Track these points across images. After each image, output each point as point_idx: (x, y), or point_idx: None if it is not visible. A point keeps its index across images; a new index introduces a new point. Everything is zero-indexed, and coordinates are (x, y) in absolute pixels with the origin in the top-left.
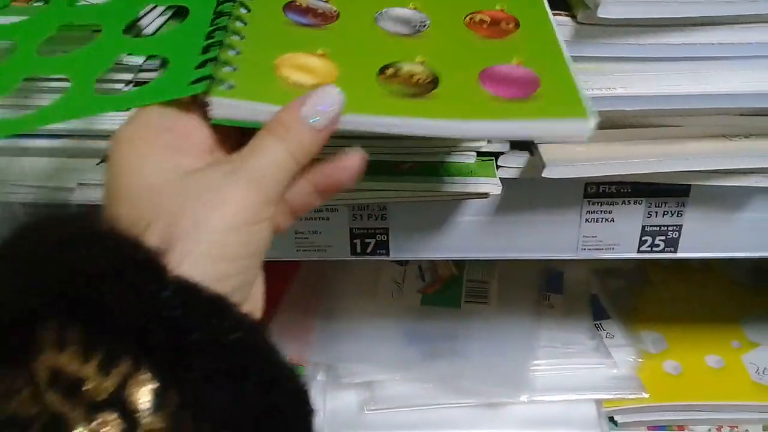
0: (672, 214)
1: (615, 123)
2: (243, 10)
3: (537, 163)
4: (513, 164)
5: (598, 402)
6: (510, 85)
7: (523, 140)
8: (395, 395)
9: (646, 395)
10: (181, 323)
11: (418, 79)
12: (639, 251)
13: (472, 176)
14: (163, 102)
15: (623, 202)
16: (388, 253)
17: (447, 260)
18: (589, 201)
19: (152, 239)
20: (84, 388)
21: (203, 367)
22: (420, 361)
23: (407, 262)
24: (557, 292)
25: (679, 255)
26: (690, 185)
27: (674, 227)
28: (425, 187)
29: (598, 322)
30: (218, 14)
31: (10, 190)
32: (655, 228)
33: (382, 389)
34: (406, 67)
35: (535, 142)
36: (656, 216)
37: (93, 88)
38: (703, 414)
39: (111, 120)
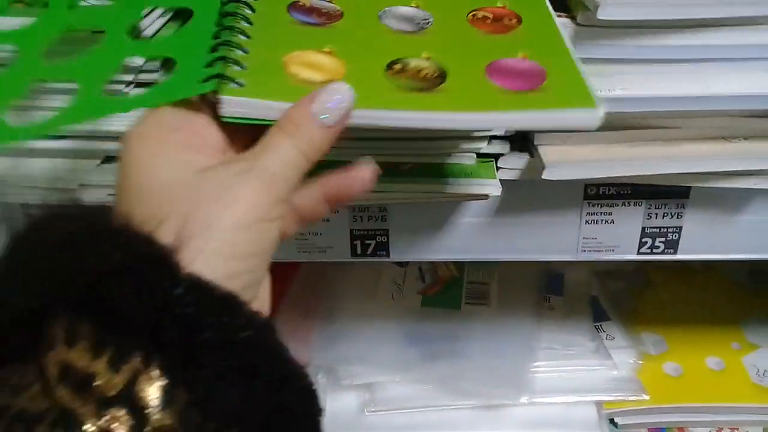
0: (672, 216)
1: (615, 125)
2: (248, 11)
3: (537, 165)
4: (513, 165)
5: (599, 404)
6: (517, 78)
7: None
8: (395, 397)
9: (646, 397)
10: (193, 321)
11: (426, 74)
12: (639, 253)
13: (472, 177)
14: (174, 102)
15: (623, 204)
16: (388, 255)
17: (447, 262)
18: (589, 202)
19: (165, 237)
20: (94, 384)
21: (213, 364)
22: (420, 363)
23: (407, 263)
24: (557, 294)
25: (679, 257)
26: (690, 187)
27: (674, 229)
28: (425, 188)
29: (598, 324)
30: (223, 15)
31: (12, 191)
32: (655, 230)
33: (383, 391)
34: (414, 63)
35: (537, 144)
36: (656, 218)
37: (101, 92)
38: (704, 416)
39: (113, 121)
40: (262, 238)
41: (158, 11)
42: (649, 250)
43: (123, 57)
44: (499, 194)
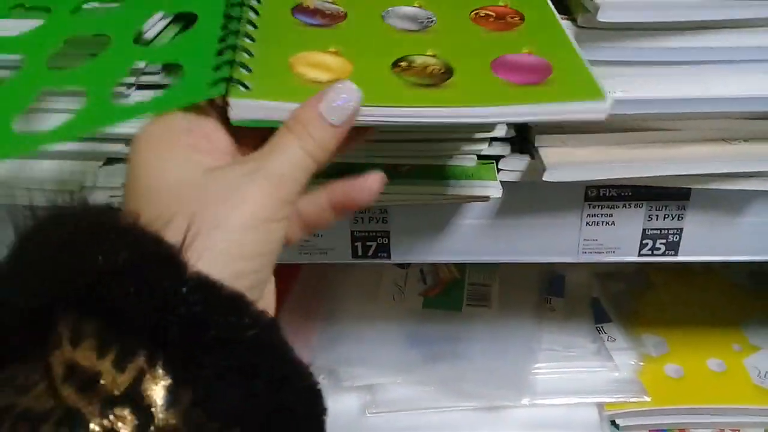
0: (672, 218)
1: (615, 126)
2: (252, 15)
3: (537, 167)
4: (514, 167)
5: (600, 405)
6: (523, 72)
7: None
8: (397, 398)
9: (647, 398)
10: (199, 320)
11: (433, 70)
12: (640, 254)
13: (472, 179)
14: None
15: (624, 206)
16: (389, 256)
17: (448, 263)
18: (589, 204)
19: (172, 236)
20: (99, 384)
21: (218, 364)
22: (421, 364)
23: (409, 265)
24: (559, 296)
25: (680, 258)
26: (690, 188)
27: (675, 230)
28: (426, 189)
29: (599, 326)
30: (228, 18)
31: (16, 193)
32: (655, 231)
33: (384, 392)
34: (419, 60)
35: (537, 146)
36: (657, 219)
37: (110, 98)
38: (705, 417)
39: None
40: (268, 238)
41: (161, 16)
42: (649, 252)
43: (130, 63)
44: (500, 196)
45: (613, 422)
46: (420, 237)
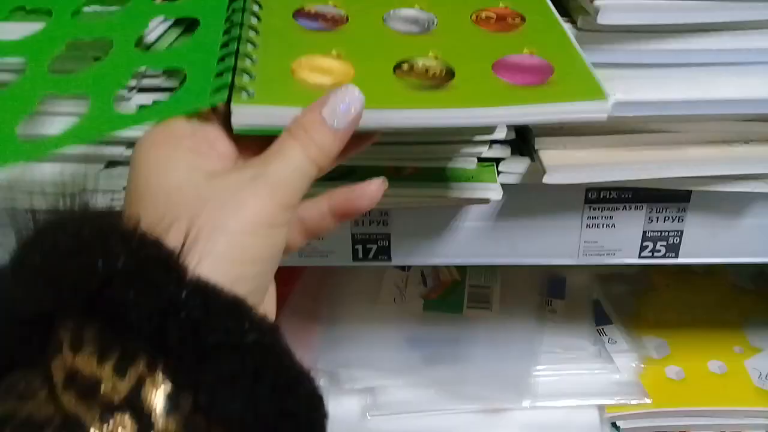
0: (673, 220)
1: (615, 128)
2: (254, 20)
3: (538, 169)
4: (514, 170)
5: (601, 408)
6: (525, 73)
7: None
8: (397, 401)
9: (648, 401)
10: (199, 324)
11: (434, 72)
12: (640, 257)
13: (473, 182)
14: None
15: (624, 208)
16: (389, 259)
17: (449, 266)
18: (590, 206)
19: (172, 240)
20: (100, 390)
21: (218, 369)
22: (422, 367)
23: (409, 267)
24: (560, 298)
25: (681, 260)
26: (691, 191)
27: (675, 232)
28: (426, 192)
29: (600, 328)
30: (230, 24)
31: (17, 196)
32: (656, 233)
33: (385, 395)
34: (421, 62)
35: (537, 148)
36: (657, 221)
37: (113, 104)
38: (706, 419)
39: None
40: (269, 243)
41: (162, 20)
42: (650, 254)
43: (133, 68)
44: (501, 198)
45: (614, 424)
46: (421, 239)
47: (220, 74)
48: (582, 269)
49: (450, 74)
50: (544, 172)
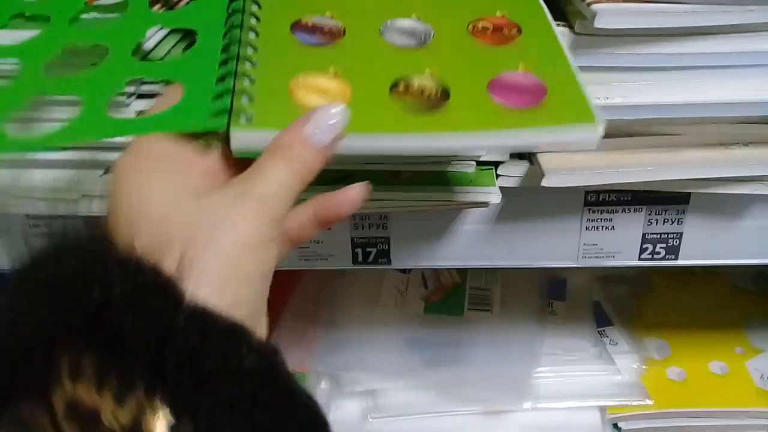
0: (672, 222)
1: (614, 132)
2: (252, 35)
3: (536, 172)
4: (512, 173)
5: (602, 409)
6: (518, 94)
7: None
8: (398, 403)
9: (650, 402)
10: (197, 350)
11: (430, 93)
12: (640, 259)
13: (472, 185)
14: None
15: (623, 210)
16: (389, 262)
17: (449, 268)
18: (589, 209)
19: (167, 265)
20: (99, 420)
21: (217, 395)
22: (423, 369)
23: (410, 269)
24: (560, 299)
25: (680, 262)
26: (690, 193)
27: (675, 235)
28: (425, 196)
29: (601, 329)
30: (228, 38)
31: (14, 202)
32: (655, 235)
33: (385, 397)
34: (417, 81)
35: (536, 151)
36: (657, 223)
37: (106, 110)
38: (707, 420)
39: None
40: (262, 260)
41: (160, 29)
42: (650, 256)
43: (128, 77)
44: (499, 202)
45: (615, 426)
46: (420, 243)
47: (219, 96)
48: (582, 271)
49: (445, 95)
50: (542, 175)
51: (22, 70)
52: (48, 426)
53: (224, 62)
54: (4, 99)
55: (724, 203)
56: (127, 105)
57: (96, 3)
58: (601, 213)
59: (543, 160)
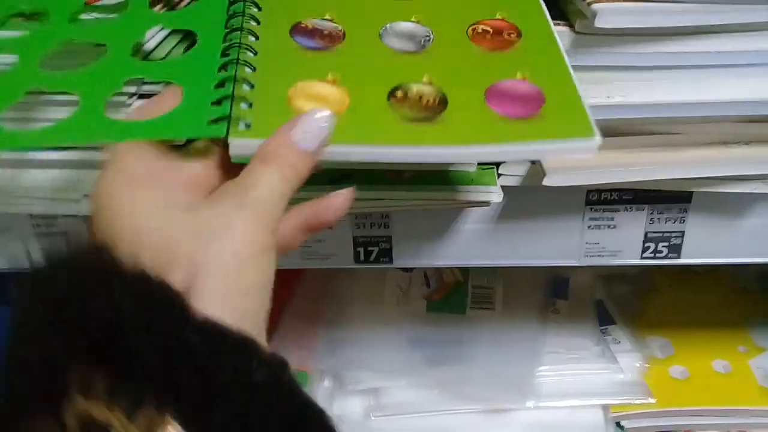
0: (674, 221)
1: (615, 131)
2: (252, 38)
3: (538, 171)
4: (514, 172)
5: (605, 407)
6: (516, 103)
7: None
8: (401, 402)
9: (652, 400)
10: (208, 365)
11: (428, 101)
12: (642, 258)
13: (473, 184)
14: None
15: (625, 209)
16: (391, 261)
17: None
18: (591, 208)
19: (174, 281)
20: None
21: (229, 409)
22: (425, 368)
23: (412, 268)
24: (563, 298)
25: (683, 261)
26: (692, 191)
27: (677, 233)
28: (426, 195)
29: (604, 328)
30: (228, 42)
31: (16, 202)
32: (657, 234)
33: (388, 396)
34: (415, 88)
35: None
36: (659, 222)
37: (103, 110)
38: (710, 419)
39: None
40: (264, 268)
41: (161, 29)
42: (652, 255)
43: (125, 77)
44: (501, 201)
45: (618, 424)
46: (422, 242)
47: (218, 102)
48: (585, 269)
49: (443, 103)
50: (544, 174)
51: (19, 64)
52: None
53: (224, 66)
54: (1, 91)
55: (726, 202)
56: (128, 105)
57: (97, 3)
58: (603, 212)
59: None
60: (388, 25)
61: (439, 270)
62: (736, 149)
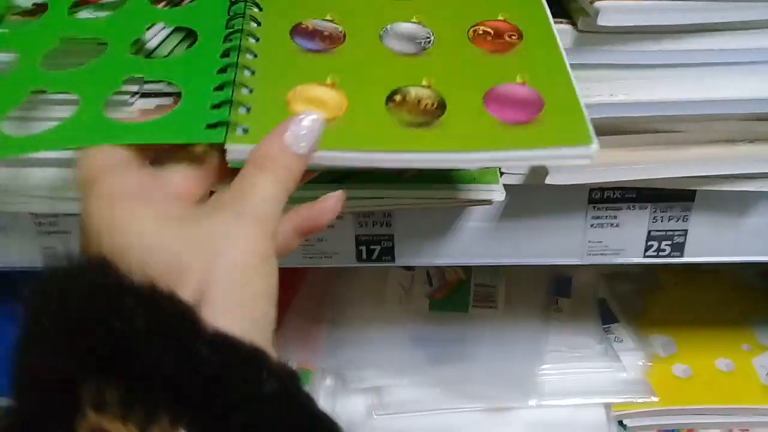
0: (677, 219)
1: (617, 129)
2: (252, 40)
3: (541, 170)
4: (517, 171)
5: (607, 406)
6: (514, 108)
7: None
8: (403, 400)
9: (655, 399)
10: (219, 377)
11: (426, 105)
12: (645, 256)
13: (475, 183)
14: (129, 151)
15: (628, 208)
16: (393, 260)
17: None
18: (594, 206)
19: (182, 294)
20: None
21: (240, 420)
22: (428, 366)
23: (415, 267)
24: (565, 296)
25: (686, 260)
26: (695, 190)
27: (680, 232)
28: (429, 194)
29: (606, 326)
30: (228, 44)
31: (14, 201)
32: (660, 233)
33: (390, 394)
34: (414, 92)
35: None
36: (662, 221)
37: (102, 111)
38: (713, 417)
39: None
40: (268, 274)
41: (161, 24)
42: (655, 253)
43: (126, 75)
44: (503, 199)
45: (620, 423)
46: (424, 240)
47: (216, 106)
48: (588, 268)
49: (441, 107)
50: (546, 172)
51: (18, 63)
52: None
53: (223, 69)
54: (1, 92)
55: (729, 200)
56: (131, 104)
57: (97, 2)
58: (605, 210)
59: None
60: (388, 26)
61: (441, 268)
62: (741, 147)
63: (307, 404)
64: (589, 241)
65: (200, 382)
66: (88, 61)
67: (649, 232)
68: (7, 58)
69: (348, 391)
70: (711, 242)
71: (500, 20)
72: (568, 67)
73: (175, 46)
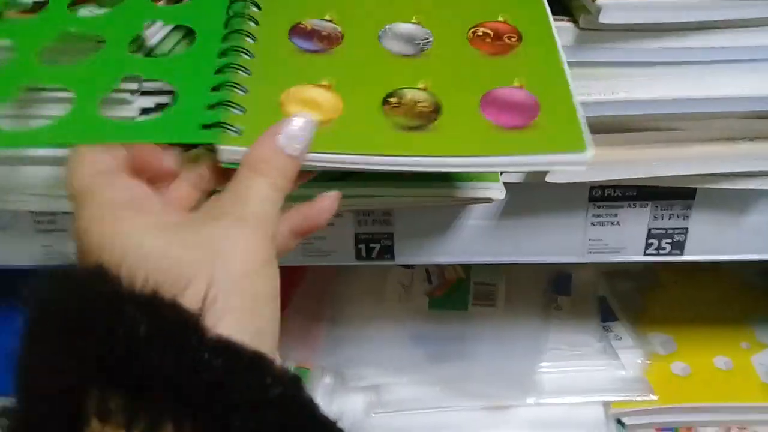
0: (678, 217)
1: (618, 127)
2: (250, 40)
3: None
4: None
5: (606, 404)
6: (510, 112)
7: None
8: (402, 398)
9: (654, 397)
10: (223, 384)
11: (421, 109)
12: (645, 254)
13: (475, 181)
14: (117, 153)
15: (629, 206)
16: (393, 258)
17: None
18: (594, 204)
19: (185, 302)
20: None
21: (244, 426)
22: (427, 364)
23: (414, 265)
24: (565, 294)
25: (686, 258)
26: (696, 188)
27: (680, 230)
28: (429, 192)
29: (606, 324)
30: (226, 44)
31: (14, 199)
32: (661, 231)
33: (389, 392)
34: (410, 95)
35: None
36: (662, 219)
37: (97, 109)
38: (712, 415)
39: None
40: (270, 277)
41: (160, 22)
42: (655, 252)
43: (122, 73)
44: (503, 197)
45: (619, 421)
46: (424, 239)
47: (212, 107)
48: (588, 266)
49: (437, 110)
50: (547, 170)
51: (15, 55)
52: None
53: (220, 69)
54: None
55: (730, 198)
56: (131, 102)
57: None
58: (606, 208)
59: None
60: (387, 27)
61: (440, 267)
62: (741, 145)
63: (311, 409)
64: (589, 239)
65: (204, 389)
66: (85, 58)
67: (650, 230)
68: (4, 52)
69: (347, 390)
70: (711, 240)
71: (500, 21)
72: (566, 70)
73: (176, 44)
